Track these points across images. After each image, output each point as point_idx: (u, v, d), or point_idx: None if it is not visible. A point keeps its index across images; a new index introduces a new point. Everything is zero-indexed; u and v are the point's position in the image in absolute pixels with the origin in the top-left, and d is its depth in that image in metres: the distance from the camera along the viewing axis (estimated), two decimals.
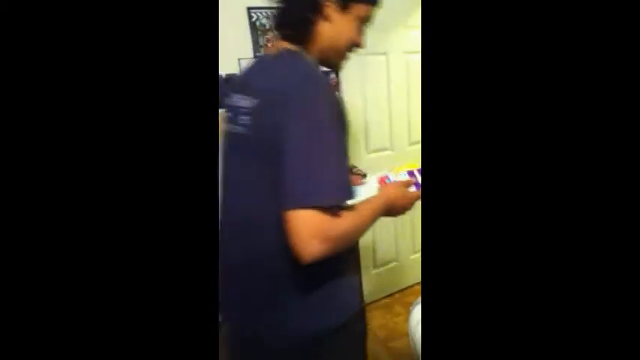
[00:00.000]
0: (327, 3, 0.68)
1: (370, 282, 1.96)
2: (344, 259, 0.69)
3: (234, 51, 1.64)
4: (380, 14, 0.78)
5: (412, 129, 1.98)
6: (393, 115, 1.91)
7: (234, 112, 0.71)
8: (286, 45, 0.70)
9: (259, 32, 1.69)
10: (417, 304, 0.97)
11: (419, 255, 2.07)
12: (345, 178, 0.62)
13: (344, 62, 0.77)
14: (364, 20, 0.73)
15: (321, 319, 0.66)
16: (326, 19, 0.69)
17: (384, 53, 1.84)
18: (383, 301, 2.03)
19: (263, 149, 0.63)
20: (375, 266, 2.00)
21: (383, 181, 0.81)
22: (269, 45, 0.73)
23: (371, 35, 0.83)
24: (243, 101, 0.69)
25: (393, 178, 0.81)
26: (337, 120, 0.62)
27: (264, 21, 1.70)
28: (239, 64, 1.66)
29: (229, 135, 0.74)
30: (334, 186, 0.59)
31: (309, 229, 0.55)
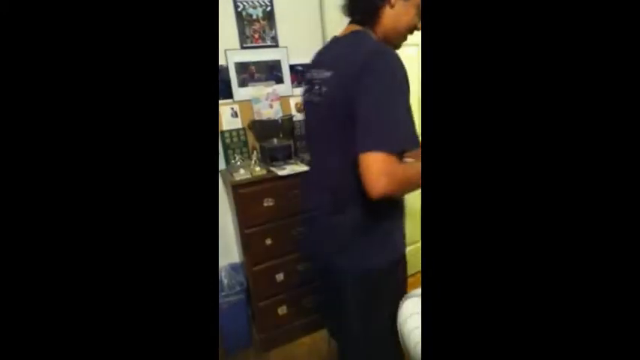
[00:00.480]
0: None
1: None
2: (398, 207, 0.84)
3: (221, 42, 1.61)
4: None
5: None
6: None
7: (311, 84, 0.84)
8: (354, 27, 0.82)
9: (245, 22, 1.66)
10: (406, 298, 0.98)
11: (407, 249, 2.10)
12: (413, 130, 0.71)
13: (402, 42, 0.87)
14: None
15: (383, 255, 0.81)
16: (391, 6, 0.79)
17: None
18: None
19: (338, 112, 0.73)
20: None
21: None
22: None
23: None
24: (318, 74, 0.81)
25: None
26: (404, 83, 0.71)
27: (250, 11, 1.66)
28: (225, 56, 1.63)
29: (307, 104, 0.88)
30: (403, 136, 0.69)
31: (380, 168, 0.65)
